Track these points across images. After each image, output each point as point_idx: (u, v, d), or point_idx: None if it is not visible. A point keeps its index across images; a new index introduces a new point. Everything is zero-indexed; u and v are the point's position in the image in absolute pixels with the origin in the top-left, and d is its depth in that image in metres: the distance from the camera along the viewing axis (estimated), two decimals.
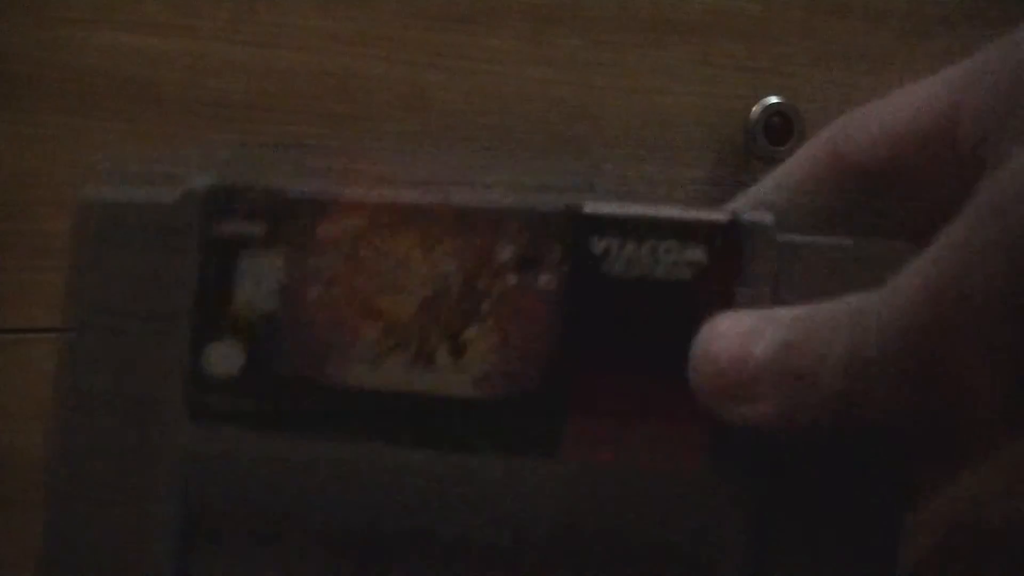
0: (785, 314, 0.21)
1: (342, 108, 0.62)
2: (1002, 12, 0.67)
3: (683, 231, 0.22)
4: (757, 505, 0.23)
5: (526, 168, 0.63)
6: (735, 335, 0.21)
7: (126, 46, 0.59)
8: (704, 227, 0.22)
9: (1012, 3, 0.67)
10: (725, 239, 0.22)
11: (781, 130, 0.66)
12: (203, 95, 0.60)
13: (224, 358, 0.23)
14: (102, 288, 0.24)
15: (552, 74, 0.64)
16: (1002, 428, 0.20)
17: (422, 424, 0.23)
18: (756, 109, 0.66)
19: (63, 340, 0.25)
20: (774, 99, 0.66)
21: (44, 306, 0.60)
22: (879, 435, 0.21)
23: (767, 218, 0.22)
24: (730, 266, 0.22)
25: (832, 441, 0.21)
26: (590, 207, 0.23)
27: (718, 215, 0.22)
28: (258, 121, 0.61)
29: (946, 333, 0.19)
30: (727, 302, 0.22)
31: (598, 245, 0.22)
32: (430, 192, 0.23)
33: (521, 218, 0.23)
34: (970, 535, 0.25)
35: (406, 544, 0.24)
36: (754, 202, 0.26)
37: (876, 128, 0.25)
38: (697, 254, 0.22)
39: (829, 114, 0.72)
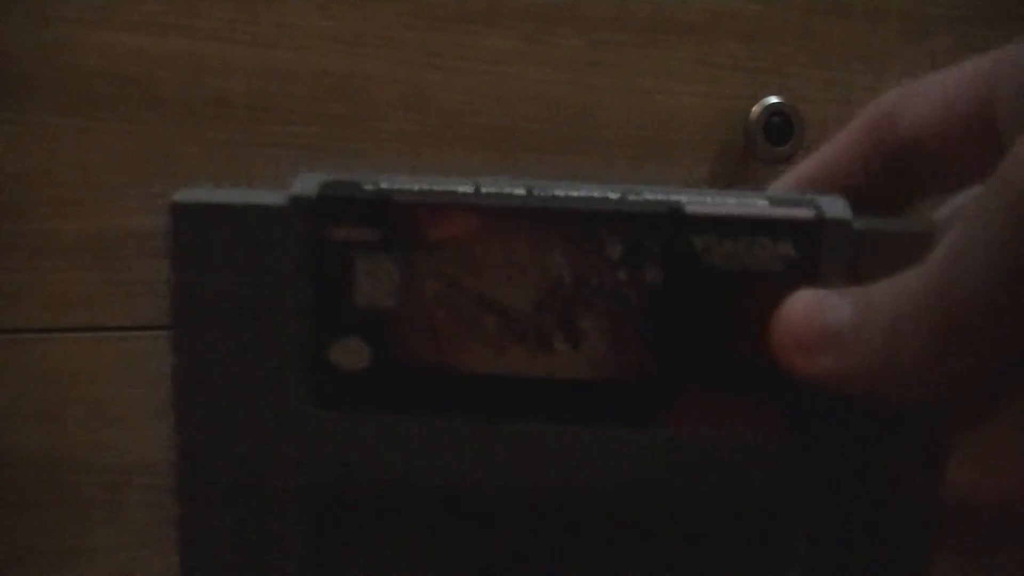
0: (852, 289, 0.24)
1: (342, 108, 0.62)
2: (1002, 12, 0.67)
3: (774, 229, 0.25)
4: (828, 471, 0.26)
5: (526, 168, 0.63)
6: (809, 305, 0.24)
7: (126, 46, 0.59)
8: (792, 225, 0.25)
9: (1012, 3, 0.67)
10: (810, 234, 0.25)
11: (781, 130, 0.66)
12: (203, 95, 0.60)
13: (351, 354, 0.25)
14: (207, 287, 0.25)
15: (552, 74, 0.64)
16: (1003, 389, 0.23)
17: (542, 403, 0.25)
18: (756, 109, 0.66)
19: (172, 342, 0.26)
20: (774, 99, 0.66)
21: (44, 306, 0.60)
22: (916, 395, 0.23)
23: (846, 212, 0.25)
24: (815, 256, 0.25)
25: (883, 405, 0.24)
26: (691, 208, 0.25)
27: (804, 212, 0.25)
28: (258, 121, 0.61)
29: (953, 307, 0.21)
30: (813, 286, 0.25)
31: (698, 242, 0.25)
32: (535, 193, 0.25)
33: (627, 219, 0.25)
34: (987, 504, 0.26)
35: (527, 510, 0.26)
36: (807, 179, 0.28)
37: (919, 109, 0.26)
38: (786, 249, 0.25)
39: (829, 114, 0.72)
